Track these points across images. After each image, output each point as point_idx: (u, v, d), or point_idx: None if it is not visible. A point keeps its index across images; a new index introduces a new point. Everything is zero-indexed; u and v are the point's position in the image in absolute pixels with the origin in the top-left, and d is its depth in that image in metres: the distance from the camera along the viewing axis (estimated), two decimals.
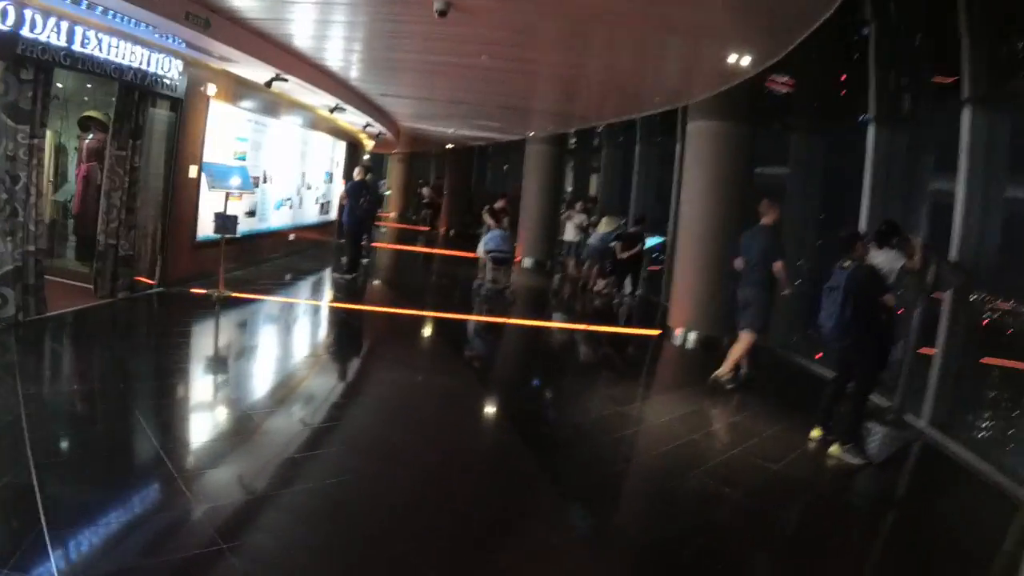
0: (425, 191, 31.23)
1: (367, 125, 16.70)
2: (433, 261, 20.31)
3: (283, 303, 10.78)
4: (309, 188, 15.60)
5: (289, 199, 14.50)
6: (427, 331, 10.37)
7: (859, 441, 6.48)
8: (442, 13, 6.71)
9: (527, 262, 18.51)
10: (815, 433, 6.70)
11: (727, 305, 10.56)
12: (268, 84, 11.02)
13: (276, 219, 13.88)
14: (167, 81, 9.30)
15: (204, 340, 8.67)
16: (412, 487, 4.86)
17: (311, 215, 16.03)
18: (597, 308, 14.00)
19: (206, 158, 10.58)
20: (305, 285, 13.02)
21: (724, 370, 8.28)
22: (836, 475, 6.15)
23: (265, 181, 13.02)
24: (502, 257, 12.88)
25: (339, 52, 10.56)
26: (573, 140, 20.49)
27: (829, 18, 6.21)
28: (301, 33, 9.45)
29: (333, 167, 17.69)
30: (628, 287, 14.51)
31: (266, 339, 9.16)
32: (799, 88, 11.32)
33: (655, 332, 11.32)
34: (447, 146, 26.20)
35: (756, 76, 9.26)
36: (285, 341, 9.17)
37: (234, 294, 10.18)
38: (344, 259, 13.24)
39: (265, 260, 13.52)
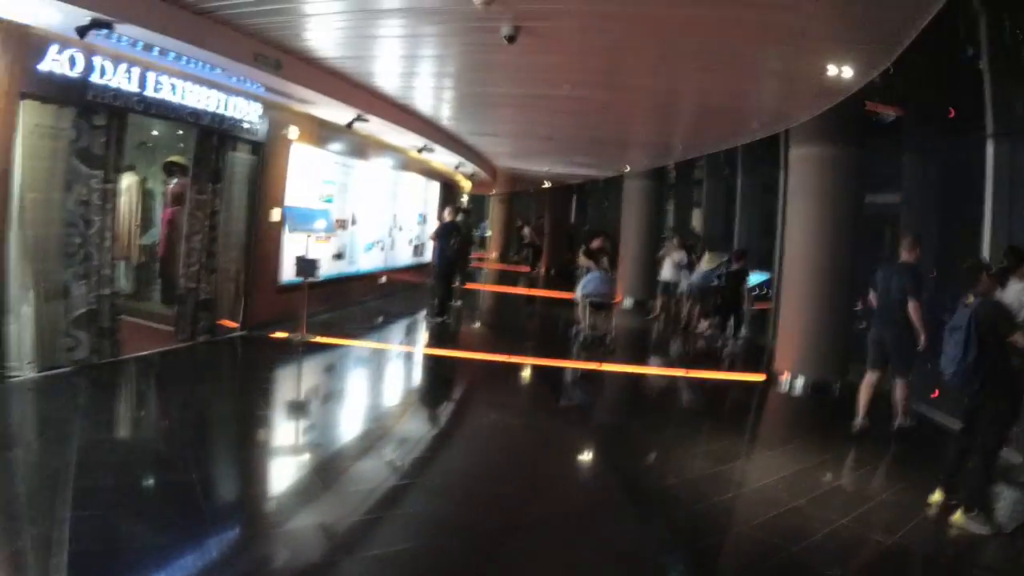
0: (526, 231, 30.94)
1: (459, 165, 16.51)
2: (531, 303, 19.66)
3: (368, 348, 10.47)
4: (401, 230, 15.46)
5: (380, 241, 14.36)
6: (518, 379, 9.81)
7: (987, 506, 5.52)
8: (510, 39, 6.32)
9: (627, 302, 17.79)
10: (936, 497, 5.75)
11: (839, 346, 9.71)
12: (349, 125, 10.91)
13: (366, 262, 13.73)
14: (246, 125, 9.31)
15: (277, 386, 8.39)
16: (491, 546, 4.59)
17: (403, 257, 15.88)
18: (699, 351, 13.16)
19: (289, 201, 10.50)
20: (394, 329, 12.73)
21: (901, 417, 7.84)
22: (960, 547, 5.21)
23: (353, 223, 12.90)
24: (600, 301, 11.82)
25: (420, 89, 10.34)
26: (672, 174, 19.77)
27: (937, 35, 5.48)
28: (380, 71, 9.27)
29: (426, 208, 17.53)
30: (731, 328, 13.51)
31: (342, 386, 8.83)
32: (909, 107, 10.34)
33: (760, 377, 10.42)
34: (544, 185, 25.84)
35: (861, 95, 8.54)
36: (362, 389, 8.84)
37: (316, 338, 9.97)
38: (435, 302, 12.94)
39: (355, 303, 13.36)
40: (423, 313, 13.64)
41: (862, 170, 9.65)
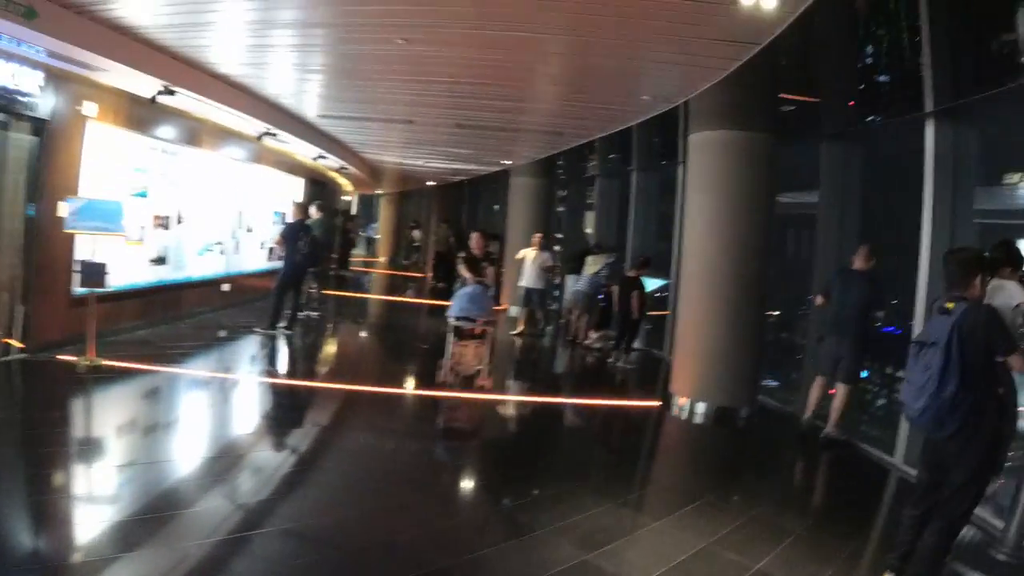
0: (416, 234, 29.00)
1: (319, 156, 14.48)
2: (407, 315, 16.87)
3: (172, 374, 8.29)
4: (250, 231, 13.33)
5: (219, 243, 12.23)
6: (354, 413, 7.88)
7: None
8: None
9: (513, 311, 16.13)
10: None
11: (747, 367, 8.26)
12: (153, 100, 8.84)
13: (199, 267, 11.59)
14: (23, 98, 7.22)
15: (36, 428, 6.23)
16: None
17: (253, 262, 13.70)
18: (586, 370, 11.57)
19: (85, 193, 8.37)
20: (221, 348, 10.47)
21: (832, 428, 7.49)
22: None
23: (180, 222, 10.76)
24: (466, 327, 8.81)
25: (241, 57, 8.35)
26: (561, 172, 18.22)
27: None
28: (188, 30, 7.25)
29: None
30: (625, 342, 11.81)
31: (114, 431, 6.50)
32: (827, 88, 8.94)
33: (655, 403, 8.84)
34: (428, 183, 24.01)
35: (773, 75, 7.19)
36: (137, 435, 6.42)
37: (111, 362, 7.88)
38: (272, 312, 10.94)
39: (186, 316, 11.23)
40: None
41: (774, 160, 8.20)
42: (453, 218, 25.70)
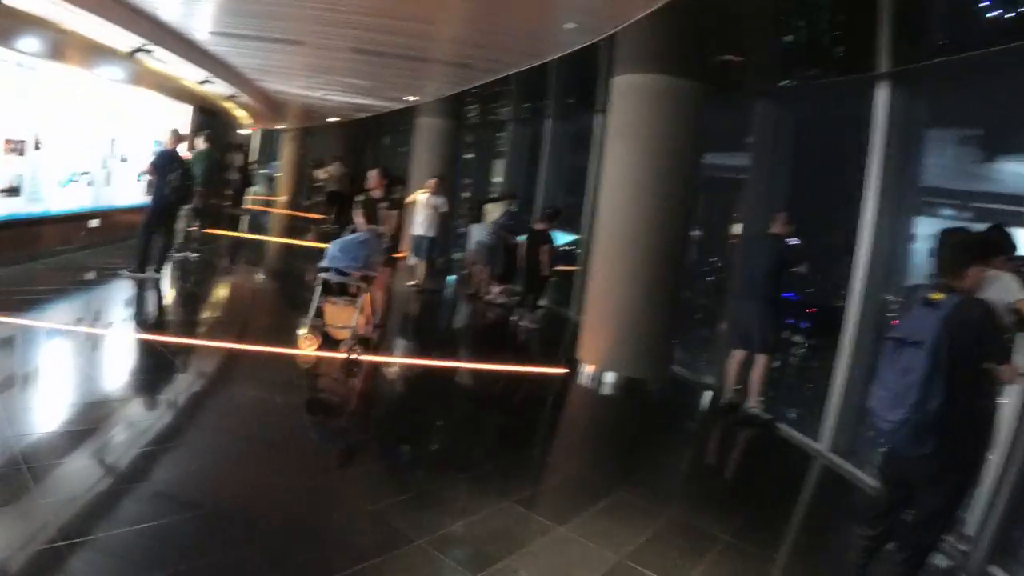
0: (319, 173, 27.50)
1: (205, 80, 13.18)
2: (299, 260, 14.96)
3: (13, 325, 7.14)
4: (124, 161, 12.02)
5: (87, 174, 10.94)
6: (217, 373, 6.96)
7: None
8: None
9: (412, 259, 15.31)
10: None
11: (660, 336, 7.78)
12: None
13: (62, 200, 10.32)
14: None
15: None
16: None
17: (128, 195, 12.38)
18: (485, 329, 10.92)
19: None
20: (82, 294, 9.32)
21: (754, 401, 7.12)
22: None
23: (37, 148, 9.48)
24: (336, 280, 7.60)
25: None
26: (474, 116, 17.35)
27: None
28: None
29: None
30: (529, 299, 11.17)
31: None
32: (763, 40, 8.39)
33: (561, 371, 8.26)
34: (330, 119, 22.70)
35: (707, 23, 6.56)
36: None
37: None
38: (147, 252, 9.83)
39: (47, 255, 10.00)
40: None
41: (702, 112, 7.61)
42: (356, 158, 24.48)
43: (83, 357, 6.78)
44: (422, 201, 11.91)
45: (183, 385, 6.24)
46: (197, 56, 11.35)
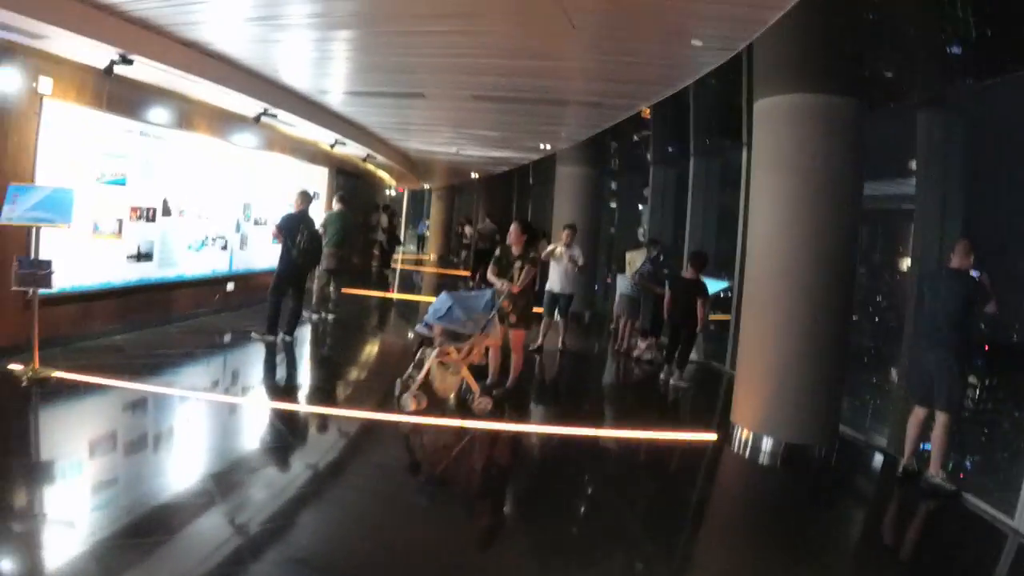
0: (467, 230, 27.51)
1: (337, 142, 13.07)
2: None
3: (138, 391, 6.80)
4: (259, 224, 11.99)
5: (221, 238, 10.92)
6: (317, 445, 6.33)
7: None
8: None
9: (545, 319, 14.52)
10: None
11: (826, 393, 6.55)
12: (108, 71, 7.54)
13: (194, 264, 10.29)
14: None
15: None
16: None
17: (264, 258, 12.30)
18: (630, 390, 9.88)
19: (44, 180, 7.24)
20: (210, 358, 8.98)
21: (935, 469, 5.91)
22: None
23: (166, 214, 9.47)
24: (456, 332, 6.91)
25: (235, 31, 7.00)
26: (615, 160, 16.55)
27: None
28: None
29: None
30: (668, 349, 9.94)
31: (61, 453, 5.14)
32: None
33: (712, 436, 7.13)
34: (472, 175, 22.53)
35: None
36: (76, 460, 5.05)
37: (64, 373, 6.73)
38: (277, 315, 9.56)
39: (175, 319, 9.94)
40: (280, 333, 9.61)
41: (860, 131, 6.43)
42: (502, 213, 24.18)
43: (197, 424, 6.34)
44: (556, 254, 10.88)
45: (291, 456, 5.61)
46: (321, 117, 11.24)
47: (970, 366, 5.91)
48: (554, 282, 10.76)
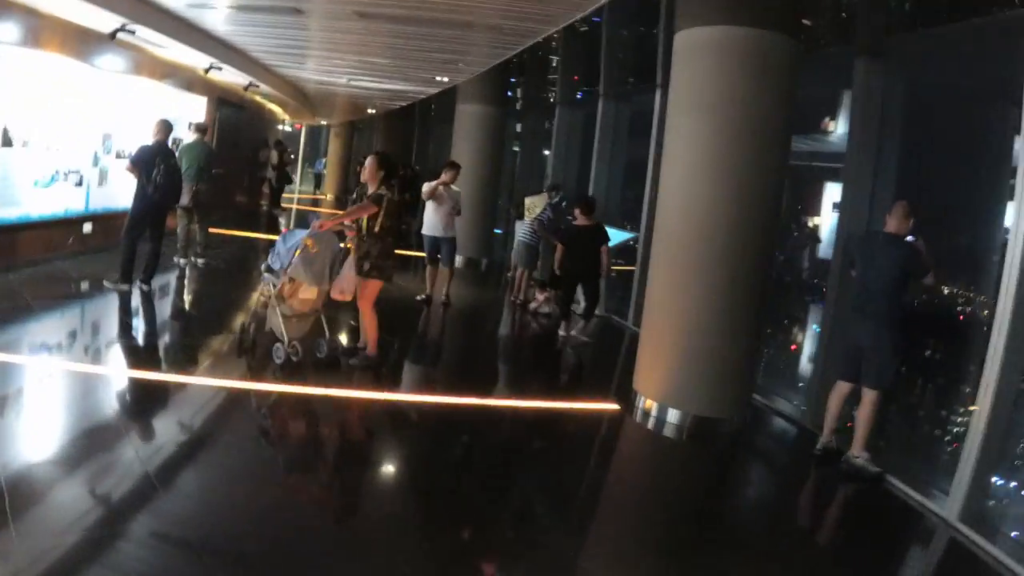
0: (360, 169, 26.23)
1: (212, 67, 11.80)
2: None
3: None
4: (120, 157, 10.69)
5: (74, 172, 9.65)
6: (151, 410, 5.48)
7: None
8: None
9: (456, 260, 13.79)
10: None
11: (739, 363, 6.08)
12: None
13: (43, 203, 9.05)
14: None
15: None
16: None
17: (128, 196, 11.00)
18: (525, 348, 9.30)
19: None
20: (50, 311, 7.68)
21: (857, 449, 5.44)
22: None
23: (6, 144, 8.21)
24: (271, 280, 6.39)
25: None
26: (519, 102, 15.79)
27: None
28: None
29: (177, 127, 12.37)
30: (581, 301, 9.34)
31: None
32: None
33: (611, 406, 6.58)
34: (370, 111, 21.35)
35: None
36: None
37: None
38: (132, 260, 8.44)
39: (26, 265, 8.75)
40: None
41: (794, 75, 5.87)
42: (402, 152, 23.10)
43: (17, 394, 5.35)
44: (438, 193, 9.64)
45: (124, 439, 4.74)
46: (190, 35, 9.94)
47: (903, 340, 5.44)
48: (433, 225, 9.77)
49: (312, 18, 8.49)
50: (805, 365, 8.07)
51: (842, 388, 5.61)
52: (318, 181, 30.86)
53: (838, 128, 8.92)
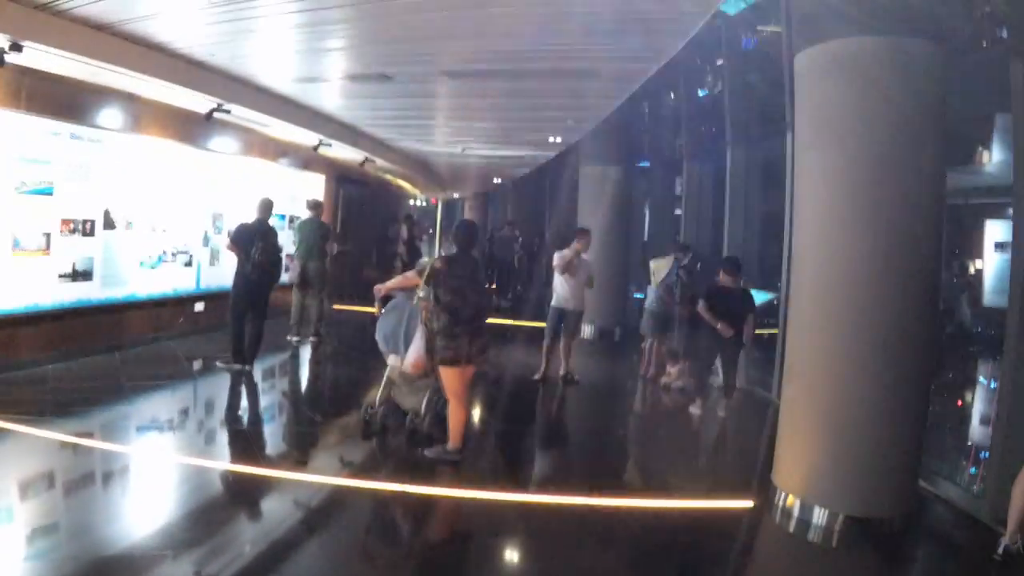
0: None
1: (321, 144, 11.59)
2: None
3: (52, 441, 5.40)
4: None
5: (183, 252, 9.55)
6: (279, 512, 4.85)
7: None
8: None
9: (586, 330, 12.90)
10: None
11: (902, 446, 4.85)
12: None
13: (148, 283, 8.95)
14: None
15: None
16: None
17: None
18: (651, 431, 8.15)
19: None
20: (150, 393, 7.34)
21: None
22: None
23: (108, 226, 8.16)
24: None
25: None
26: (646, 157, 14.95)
27: None
28: None
29: (293, 205, 12.06)
30: (718, 374, 8.21)
31: None
32: None
33: (746, 505, 5.40)
34: (495, 180, 21.02)
35: None
36: None
37: None
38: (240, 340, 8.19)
39: (135, 344, 8.65)
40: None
41: (945, 84, 4.75)
42: (533, 220, 22.63)
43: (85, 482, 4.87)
44: (567, 259, 8.83)
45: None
46: (287, 112, 9.75)
47: None
48: (564, 298, 8.90)
49: (403, 84, 8.00)
50: (978, 435, 6.62)
51: None
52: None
53: (993, 157, 7.58)
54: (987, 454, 5.82)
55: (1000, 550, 4.41)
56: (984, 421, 6.55)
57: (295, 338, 10.18)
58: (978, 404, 6.87)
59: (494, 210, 29.60)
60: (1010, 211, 7.03)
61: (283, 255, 8.65)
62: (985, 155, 7.85)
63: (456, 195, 26.75)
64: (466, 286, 5.61)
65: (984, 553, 4.56)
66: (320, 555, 4.32)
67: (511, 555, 4.67)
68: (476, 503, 5.16)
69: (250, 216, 8.43)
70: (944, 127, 4.76)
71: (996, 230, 6.98)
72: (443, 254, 6.21)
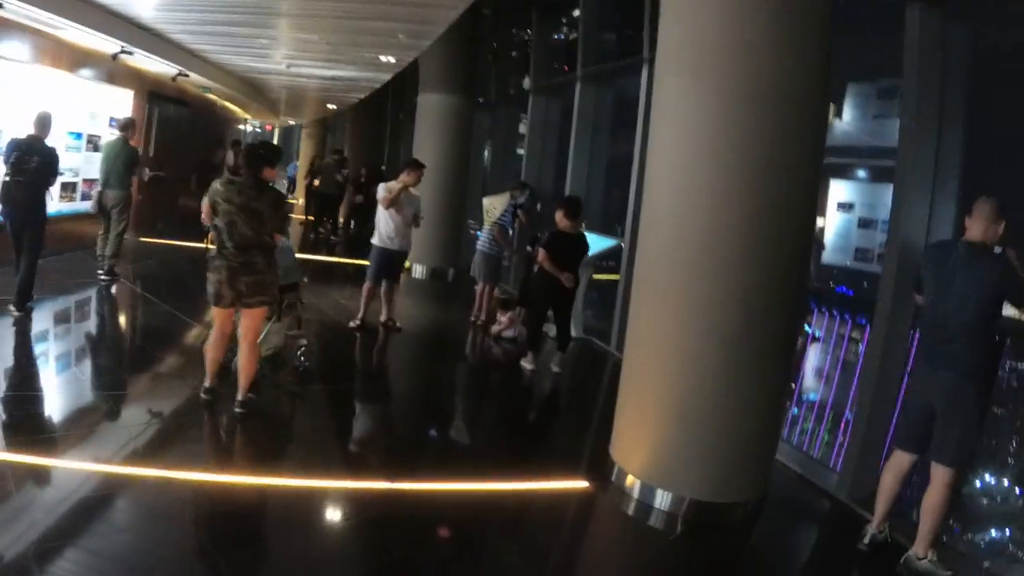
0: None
1: (123, 51, 10.08)
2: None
3: None
4: None
5: None
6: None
7: None
8: None
9: (418, 270, 12.23)
10: None
11: (756, 425, 4.47)
12: None
13: None
14: None
15: None
16: None
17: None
18: (477, 388, 7.57)
19: None
20: None
21: (922, 548, 3.86)
22: None
23: None
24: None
25: None
26: (492, 90, 14.24)
27: None
28: None
29: (94, 123, 10.63)
30: (551, 323, 7.67)
31: None
32: None
33: (580, 485, 4.90)
34: (328, 106, 19.76)
35: None
36: None
37: None
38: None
39: None
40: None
41: (828, 22, 4.29)
42: (371, 151, 21.51)
43: None
44: (394, 192, 7.87)
45: None
46: (87, 16, 8.33)
47: (989, 395, 3.87)
48: (388, 237, 7.99)
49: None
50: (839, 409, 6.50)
51: (901, 462, 4.04)
52: (291, 185, 29.16)
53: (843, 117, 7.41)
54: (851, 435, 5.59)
55: (867, 540, 4.16)
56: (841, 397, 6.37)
57: (99, 272, 8.94)
58: (812, 359, 6.69)
59: (332, 140, 28.18)
60: (858, 172, 6.95)
61: (51, 179, 7.21)
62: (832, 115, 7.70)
63: (292, 122, 25.10)
64: (235, 214, 4.85)
65: (848, 542, 4.30)
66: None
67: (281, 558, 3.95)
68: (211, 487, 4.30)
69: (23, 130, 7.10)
70: (830, 64, 4.30)
71: (840, 190, 6.79)
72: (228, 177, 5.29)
